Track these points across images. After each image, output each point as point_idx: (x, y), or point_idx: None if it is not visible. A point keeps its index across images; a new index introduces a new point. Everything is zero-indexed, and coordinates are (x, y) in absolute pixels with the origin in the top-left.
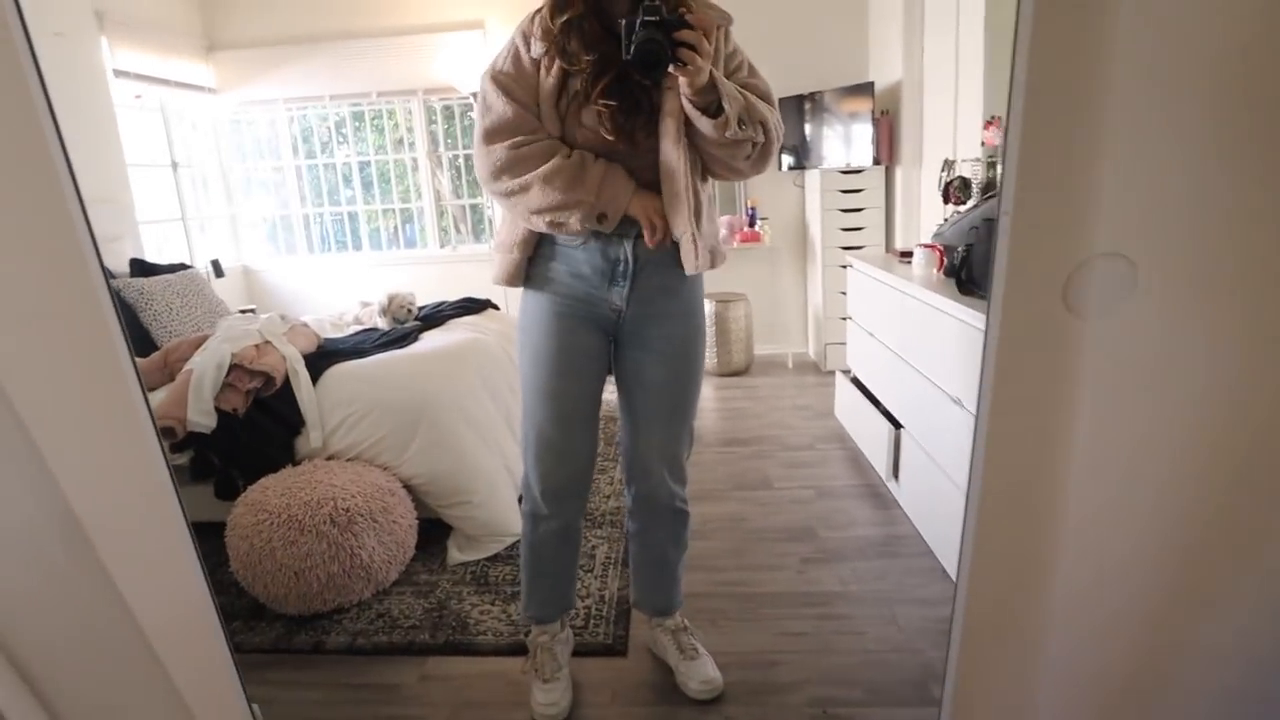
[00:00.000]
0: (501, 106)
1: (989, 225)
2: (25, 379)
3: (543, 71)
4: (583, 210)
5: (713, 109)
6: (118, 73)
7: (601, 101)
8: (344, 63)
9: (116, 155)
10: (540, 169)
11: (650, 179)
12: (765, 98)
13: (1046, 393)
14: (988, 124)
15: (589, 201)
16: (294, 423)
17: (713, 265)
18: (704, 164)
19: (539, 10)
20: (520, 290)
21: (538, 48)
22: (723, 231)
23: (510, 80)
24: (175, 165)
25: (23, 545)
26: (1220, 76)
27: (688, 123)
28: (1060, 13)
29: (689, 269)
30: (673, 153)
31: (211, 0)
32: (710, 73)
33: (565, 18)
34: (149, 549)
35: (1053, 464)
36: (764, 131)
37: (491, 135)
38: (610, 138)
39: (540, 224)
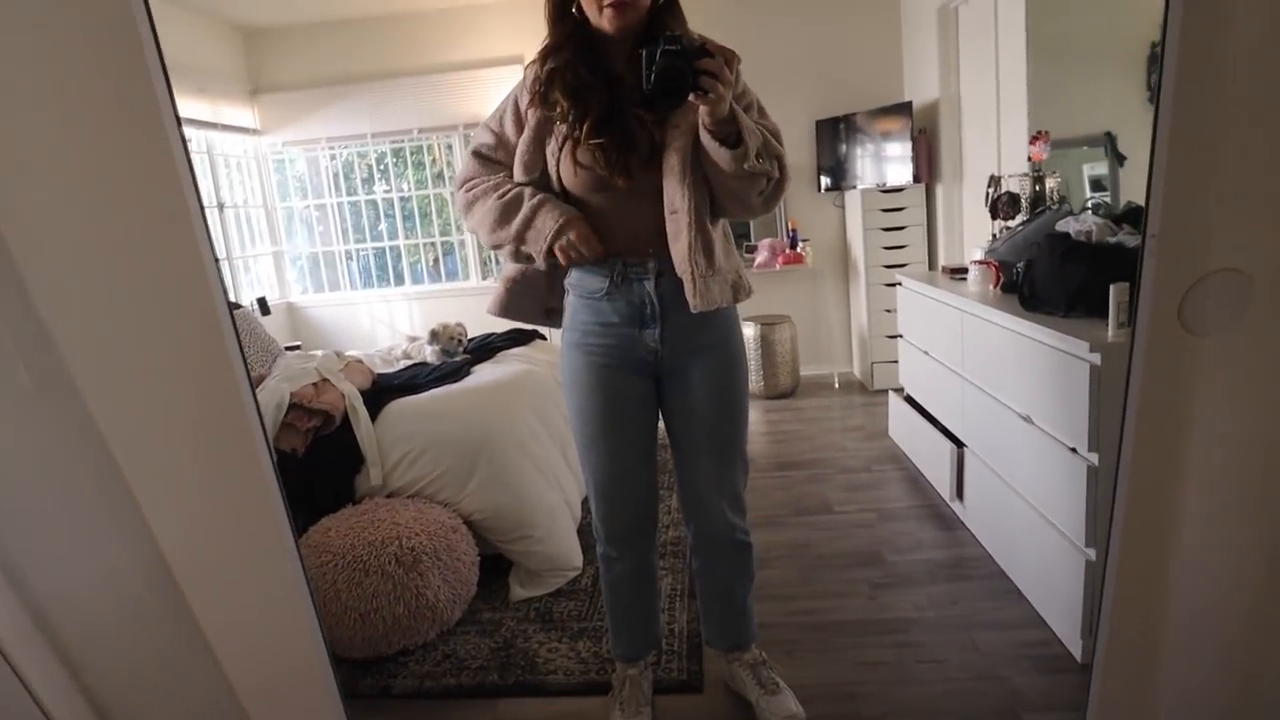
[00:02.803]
0: (472, 164)
1: (1050, 240)
2: (127, 425)
3: (529, 117)
4: (508, 250)
5: (731, 140)
6: None
7: (593, 140)
8: (384, 101)
9: None
10: (482, 210)
11: (655, 215)
12: (776, 137)
13: (1179, 415)
14: (1034, 139)
15: (510, 242)
16: (354, 461)
17: (735, 299)
18: (714, 200)
19: (533, 60)
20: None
21: (524, 99)
22: (763, 255)
23: (491, 137)
24: (221, 206)
25: (119, 594)
26: None
27: (696, 159)
28: (1199, 38)
29: (691, 307)
30: (677, 190)
31: (257, 45)
32: (730, 104)
33: (551, 66)
34: (256, 597)
35: (1184, 488)
36: (779, 167)
37: (459, 181)
38: (604, 173)
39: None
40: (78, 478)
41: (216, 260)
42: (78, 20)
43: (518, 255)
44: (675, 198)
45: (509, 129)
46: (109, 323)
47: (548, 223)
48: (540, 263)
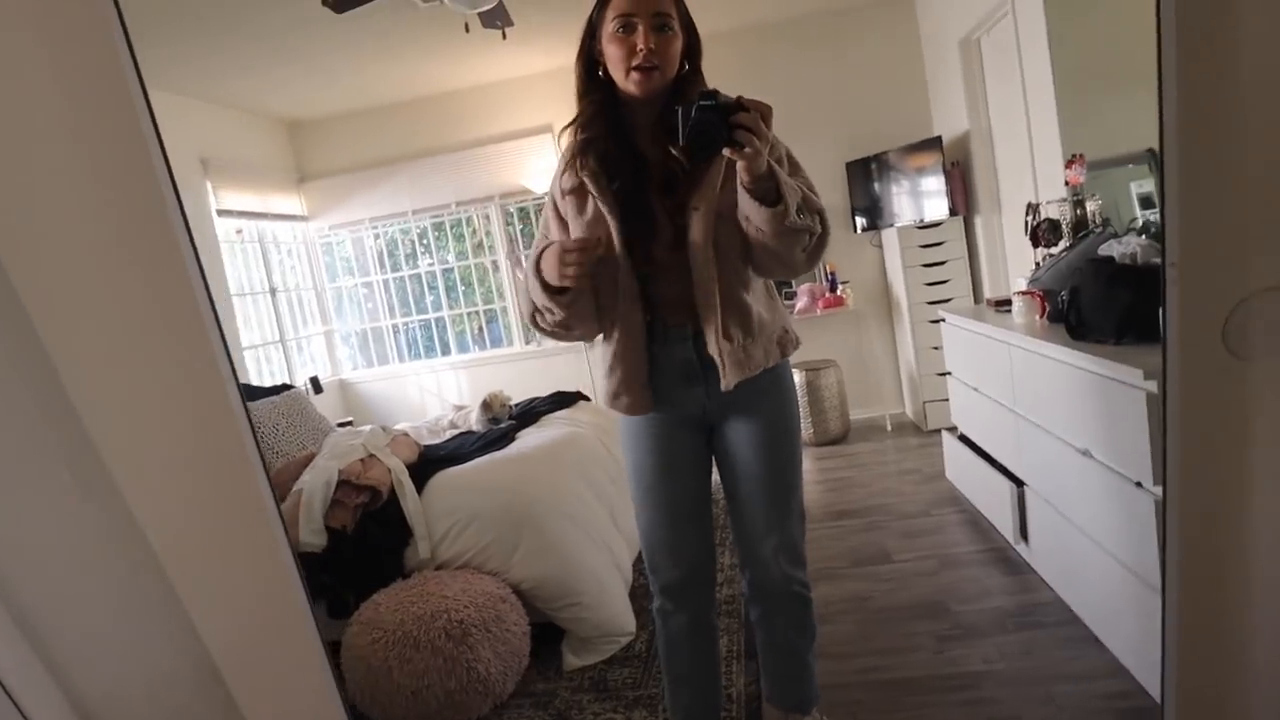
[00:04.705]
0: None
1: (1093, 266)
2: (166, 523)
3: (567, 205)
4: (550, 319)
5: (770, 198)
6: (220, 212)
7: (616, 225)
8: (423, 179)
9: (222, 289)
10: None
11: (687, 284)
12: (812, 190)
13: (1226, 448)
14: (1069, 163)
15: (541, 308)
16: (402, 534)
17: (782, 355)
18: (754, 262)
19: (566, 126)
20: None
21: (558, 186)
22: (803, 300)
23: (543, 242)
24: (274, 291)
25: (164, 695)
26: None
27: (719, 236)
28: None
29: (723, 385)
30: (702, 270)
31: (301, 136)
32: (767, 160)
33: (585, 137)
34: (286, 687)
35: (1241, 523)
36: (820, 222)
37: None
38: (628, 264)
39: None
40: (120, 576)
41: (230, 361)
42: (72, 107)
43: (564, 325)
44: (702, 278)
45: (554, 231)
46: (140, 421)
47: (533, 265)
48: (569, 317)
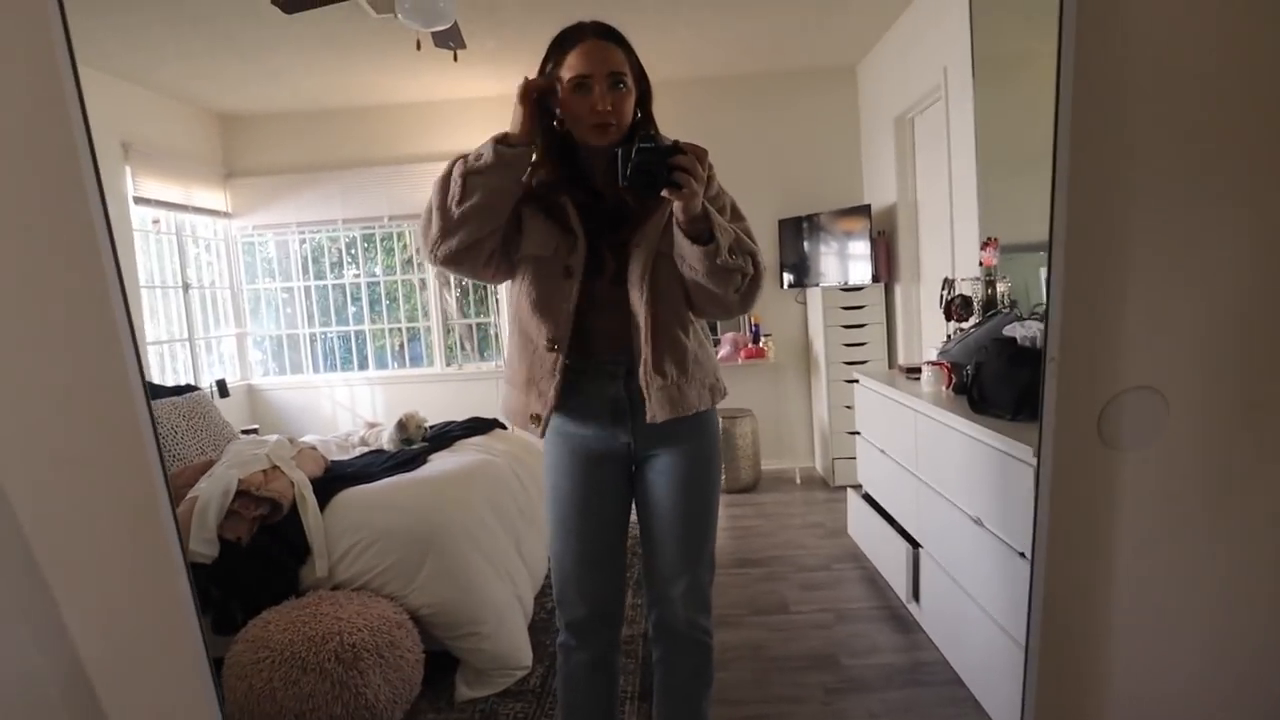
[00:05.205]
0: None
1: (997, 344)
2: (47, 517)
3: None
4: (468, 206)
5: (704, 237)
6: (138, 200)
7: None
8: (358, 188)
9: (132, 279)
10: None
11: (624, 321)
12: (749, 236)
13: (1095, 526)
14: (985, 244)
15: (436, 202)
16: (299, 551)
17: (712, 402)
18: (691, 303)
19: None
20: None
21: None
22: (726, 349)
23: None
24: (187, 287)
25: (25, 701)
26: (1240, 211)
27: (656, 275)
28: (1090, 163)
29: (648, 417)
30: (638, 306)
31: (233, 131)
32: (703, 202)
33: (543, 179)
34: (163, 702)
35: (1103, 597)
36: (753, 264)
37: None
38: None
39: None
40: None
41: (142, 371)
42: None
43: (480, 207)
44: (637, 313)
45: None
46: (32, 404)
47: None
48: (506, 150)
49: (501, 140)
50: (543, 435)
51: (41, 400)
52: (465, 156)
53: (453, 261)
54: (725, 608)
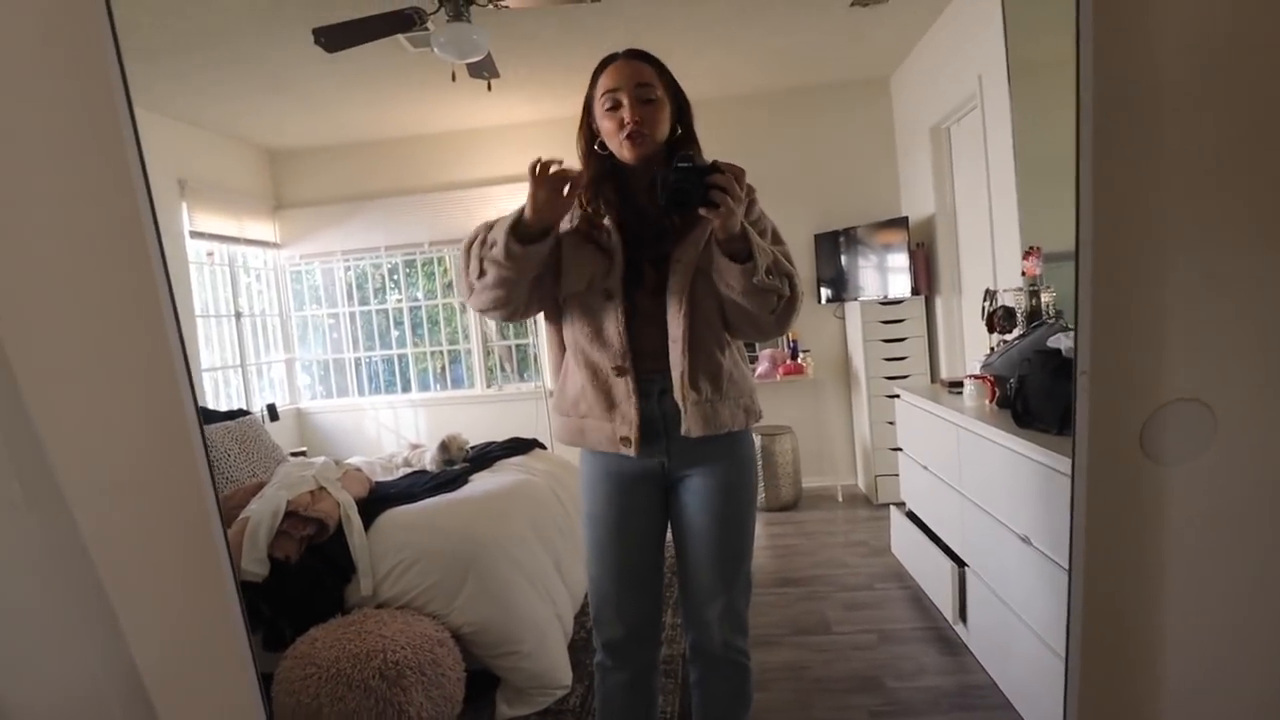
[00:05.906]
0: None
1: (1041, 357)
2: (110, 538)
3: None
4: (495, 244)
5: (742, 255)
6: (194, 234)
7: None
8: (399, 216)
9: (187, 309)
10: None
11: (663, 336)
12: (788, 259)
13: (1137, 543)
14: (1027, 254)
15: (472, 260)
16: (345, 570)
17: (747, 423)
18: (728, 322)
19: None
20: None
21: (575, 221)
22: (764, 365)
23: None
24: (239, 315)
25: (88, 711)
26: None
27: (696, 291)
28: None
29: (683, 430)
30: (675, 320)
31: (281, 164)
32: (741, 221)
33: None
34: (215, 716)
35: (1151, 618)
36: (790, 286)
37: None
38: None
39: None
40: (59, 589)
41: (192, 382)
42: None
43: (511, 275)
44: (674, 327)
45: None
46: (95, 435)
47: (489, 226)
48: (522, 265)
49: (517, 224)
50: (637, 454)
51: (103, 428)
52: (492, 225)
53: (487, 315)
54: (766, 628)
